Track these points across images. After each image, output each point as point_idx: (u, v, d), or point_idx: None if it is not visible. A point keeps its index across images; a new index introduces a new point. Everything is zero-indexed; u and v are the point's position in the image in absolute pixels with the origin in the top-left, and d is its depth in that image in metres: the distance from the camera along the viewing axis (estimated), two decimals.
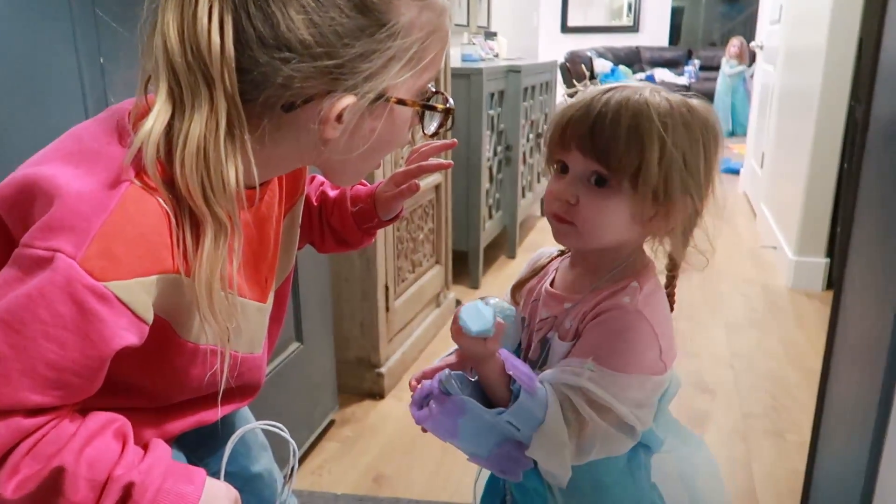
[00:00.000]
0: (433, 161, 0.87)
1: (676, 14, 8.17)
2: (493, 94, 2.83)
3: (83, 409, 0.59)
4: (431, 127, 0.69)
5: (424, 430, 0.80)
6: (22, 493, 0.53)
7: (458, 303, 2.63)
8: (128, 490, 0.56)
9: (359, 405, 1.93)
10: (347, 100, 0.59)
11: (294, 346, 1.58)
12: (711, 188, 0.79)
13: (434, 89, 0.68)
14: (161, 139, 0.55)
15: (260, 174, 0.62)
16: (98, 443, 0.57)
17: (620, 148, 0.74)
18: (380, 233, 1.85)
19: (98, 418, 0.58)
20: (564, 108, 0.79)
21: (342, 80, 0.58)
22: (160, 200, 0.56)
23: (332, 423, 1.82)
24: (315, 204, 0.91)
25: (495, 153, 2.95)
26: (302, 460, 1.65)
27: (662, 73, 7.28)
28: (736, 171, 4.72)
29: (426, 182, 2.20)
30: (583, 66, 6.05)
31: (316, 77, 0.57)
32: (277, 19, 0.55)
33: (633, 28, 7.96)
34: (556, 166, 0.81)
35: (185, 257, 0.57)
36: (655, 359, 0.78)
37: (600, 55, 7.17)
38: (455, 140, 0.94)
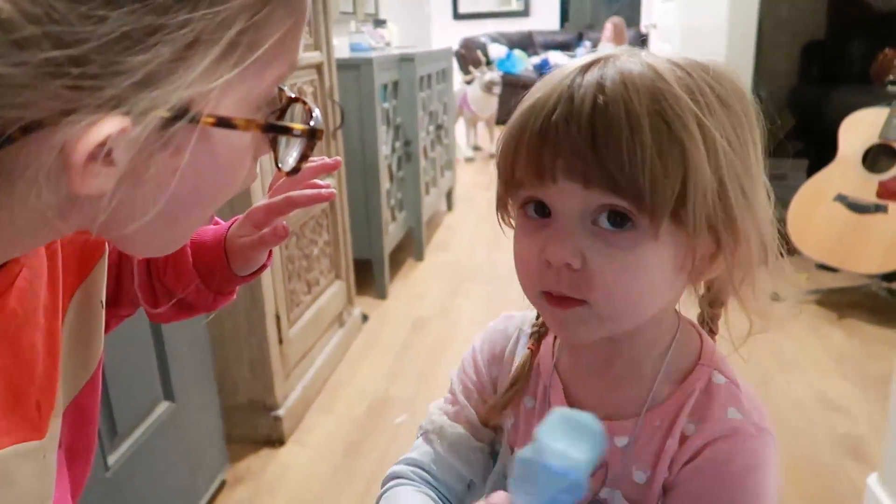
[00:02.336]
0: (307, 191, 0.62)
1: None
2: (386, 86, 2.58)
3: None
4: (289, 159, 0.44)
5: None
6: None
7: (365, 318, 2.37)
8: None
9: (255, 456, 1.65)
10: (110, 125, 0.32)
11: (162, 406, 1.28)
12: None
13: (291, 94, 0.43)
14: None
15: None
16: None
17: (650, 160, 0.43)
18: None
19: None
20: (524, 110, 0.48)
21: (90, 87, 0.31)
22: None
23: (222, 484, 1.53)
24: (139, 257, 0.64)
25: (393, 150, 2.71)
26: None
27: (556, 57, 7.21)
28: None
29: None
30: (478, 51, 5.86)
31: (32, 84, 0.30)
32: None
33: (524, 13, 7.90)
34: (524, 209, 0.50)
35: None
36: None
37: (494, 40, 7.03)
38: (339, 159, 0.64)
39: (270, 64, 0.37)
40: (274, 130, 0.41)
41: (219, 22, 0.33)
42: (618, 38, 5.95)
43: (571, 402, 0.56)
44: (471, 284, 2.74)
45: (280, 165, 0.44)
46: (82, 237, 0.50)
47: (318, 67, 1.95)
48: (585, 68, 0.47)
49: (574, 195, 0.46)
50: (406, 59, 2.74)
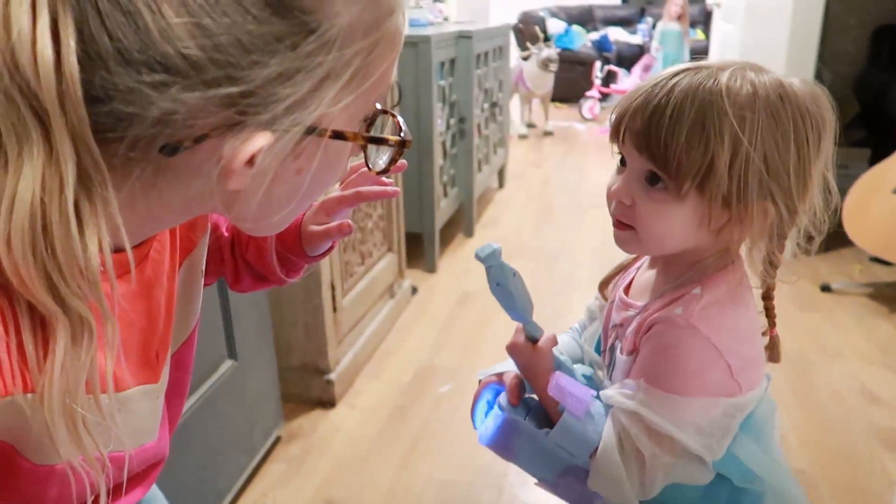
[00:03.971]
0: (375, 187, 0.70)
1: None
2: (443, 63, 2.63)
3: None
4: (380, 162, 0.53)
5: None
6: None
7: (415, 290, 2.46)
8: None
9: (307, 416, 1.76)
10: (261, 140, 0.41)
11: (226, 364, 1.39)
12: (809, 187, 0.67)
13: (381, 107, 0.51)
14: None
15: (136, 234, 0.46)
16: None
17: (680, 148, 0.63)
18: None
19: None
20: (628, 94, 0.69)
21: (252, 112, 0.40)
22: None
23: (277, 439, 1.65)
24: (226, 234, 0.72)
25: (448, 126, 2.76)
26: (243, 489, 1.48)
27: (616, 33, 7.09)
28: None
29: None
30: (536, 27, 5.82)
31: (211, 110, 0.39)
32: (145, 23, 0.36)
33: None
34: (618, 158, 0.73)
35: (26, 370, 0.39)
36: (722, 379, 0.68)
37: (553, 15, 6.95)
38: (405, 162, 0.72)
39: (375, 88, 0.46)
40: (375, 142, 0.50)
41: (344, 62, 0.42)
42: (684, 17, 5.79)
43: (629, 286, 0.80)
44: (518, 261, 2.78)
45: (371, 167, 0.53)
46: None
47: None
48: (675, 74, 0.66)
49: (633, 156, 0.68)
50: (464, 37, 2.78)
